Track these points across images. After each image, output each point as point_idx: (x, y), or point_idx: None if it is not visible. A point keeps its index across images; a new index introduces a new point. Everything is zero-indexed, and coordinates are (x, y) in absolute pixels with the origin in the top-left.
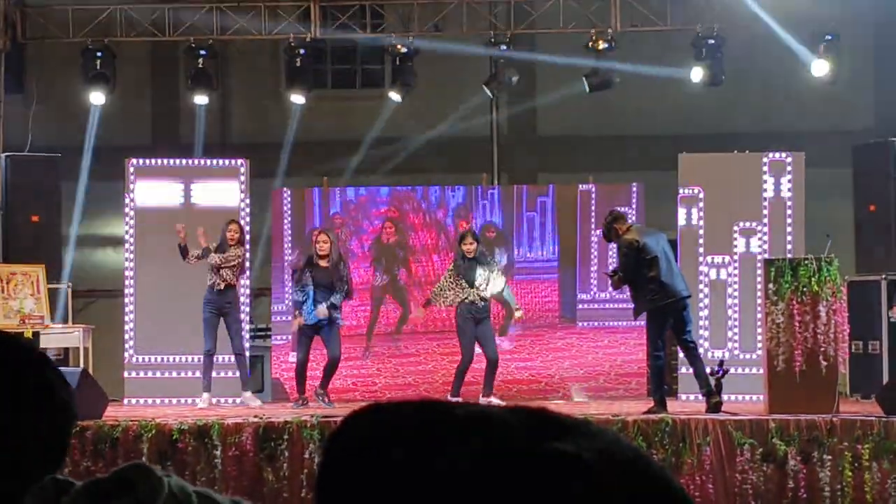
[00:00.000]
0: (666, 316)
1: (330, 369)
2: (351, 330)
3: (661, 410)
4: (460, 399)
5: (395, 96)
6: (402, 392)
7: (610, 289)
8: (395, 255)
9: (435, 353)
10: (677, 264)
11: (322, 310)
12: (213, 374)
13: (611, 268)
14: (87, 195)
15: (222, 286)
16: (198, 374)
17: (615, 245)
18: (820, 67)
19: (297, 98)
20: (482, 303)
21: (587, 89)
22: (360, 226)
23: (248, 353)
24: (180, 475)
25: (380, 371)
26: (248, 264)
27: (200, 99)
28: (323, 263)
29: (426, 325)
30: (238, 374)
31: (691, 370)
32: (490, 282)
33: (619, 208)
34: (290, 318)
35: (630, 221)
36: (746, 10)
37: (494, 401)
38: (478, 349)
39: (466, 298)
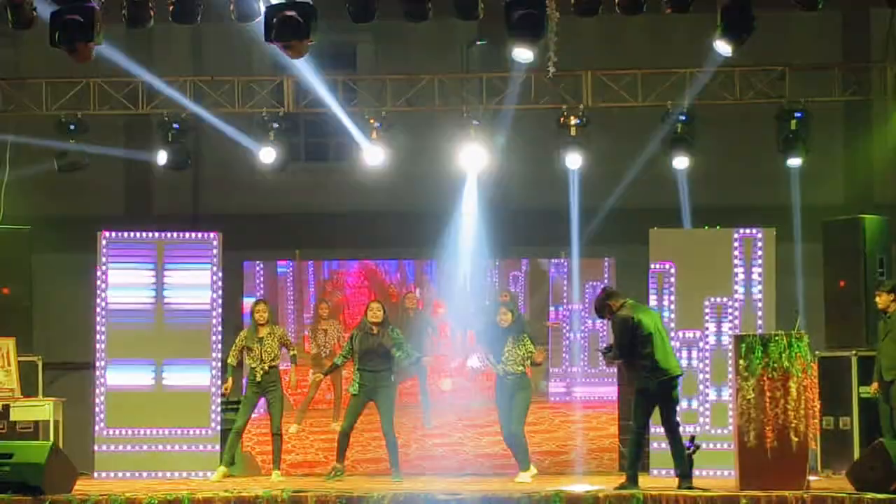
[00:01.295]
0: (657, 394)
1: (392, 449)
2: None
3: (633, 486)
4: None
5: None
6: (373, 466)
7: (602, 363)
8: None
9: (403, 427)
10: (670, 342)
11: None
12: (185, 447)
13: (603, 345)
14: (58, 267)
15: (266, 369)
16: (169, 447)
17: (609, 321)
18: (794, 161)
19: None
20: (509, 377)
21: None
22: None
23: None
24: None
25: (352, 444)
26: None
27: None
28: (374, 331)
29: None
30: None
31: (669, 449)
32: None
33: (593, 282)
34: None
35: (623, 298)
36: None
37: (524, 476)
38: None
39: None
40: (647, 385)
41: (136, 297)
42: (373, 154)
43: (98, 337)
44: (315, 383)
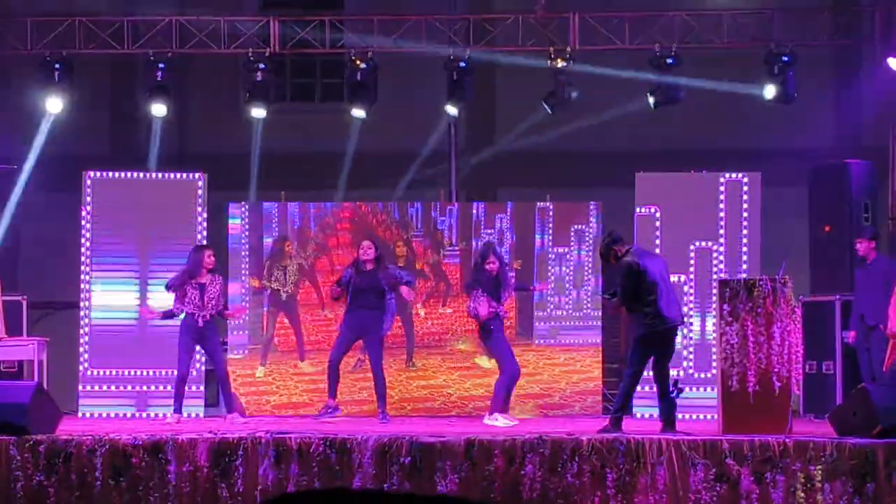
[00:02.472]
0: (657, 342)
1: (379, 389)
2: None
3: (615, 430)
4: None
5: (357, 112)
6: (357, 408)
7: (587, 306)
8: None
9: (389, 369)
10: (674, 288)
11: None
12: (169, 388)
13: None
14: (43, 206)
15: (206, 318)
16: (154, 387)
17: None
18: (770, 91)
19: (258, 112)
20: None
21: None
22: (326, 243)
23: (203, 369)
24: (134, 491)
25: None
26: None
27: (158, 110)
28: (366, 269)
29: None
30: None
31: (656, 392)
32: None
33: (578, 226)
34: (245, 332)
35: (629, 244)
36: (703, 30)
37: (501, 418)
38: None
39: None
40: (648, 332)
41: (122, 241)
42: (359, 95)
43: (83, 278)
44: (272, 322)
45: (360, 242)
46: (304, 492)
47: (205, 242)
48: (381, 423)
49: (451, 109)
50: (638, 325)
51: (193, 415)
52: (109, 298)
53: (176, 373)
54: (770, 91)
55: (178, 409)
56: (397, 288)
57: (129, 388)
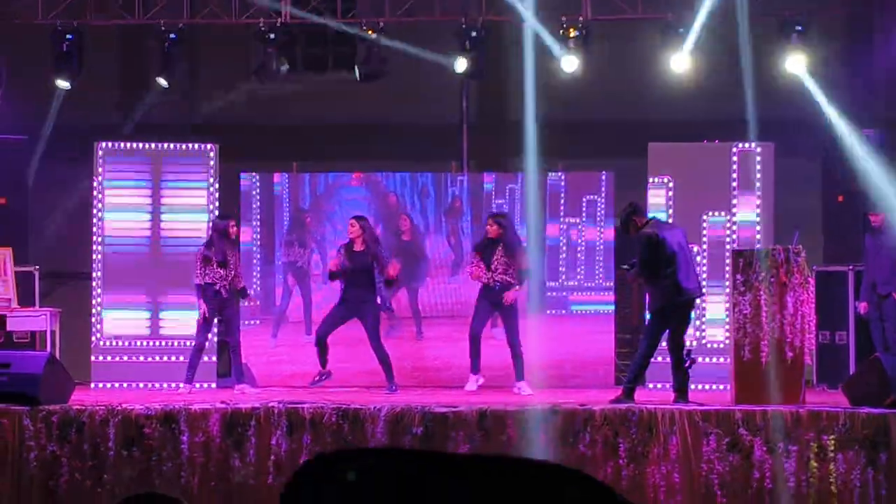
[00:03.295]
0: (674, 313)
1: (384, 365)
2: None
3: (628, 400)
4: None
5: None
6: (370, 378)
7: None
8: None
9: (401, 339)
10: (694, 259)
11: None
12: (182, 358)
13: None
14: (55, 178)
15: (227, 289)
16: (167, 357)
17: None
18: (795, 63)
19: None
20: (497, 285)
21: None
22: (333, 210)
23: (216, 340)
24: (146, 461)
25: (353, 356)
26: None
27: (163, 81)
28: (356, 248)
29: (400, 311)
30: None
31: (670, 363)
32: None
33: (590, 196)
34: (258, 301)
35: (648, 216)
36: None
37: (524, 387)
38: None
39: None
40: (667, 304)
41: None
42: (372, 64)
43: (95, 248)
44: (287, 294)
45: (350, 221)
46: (359, 449)
47: (226, 213)
48: (391, 394)
49: (461, 66)
50: (656, 296)
51: (206, 385)
52: (122, 269)
53: (193, 343)
54: (795, 62)
55: (189, 380)
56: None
57: (142, 357)
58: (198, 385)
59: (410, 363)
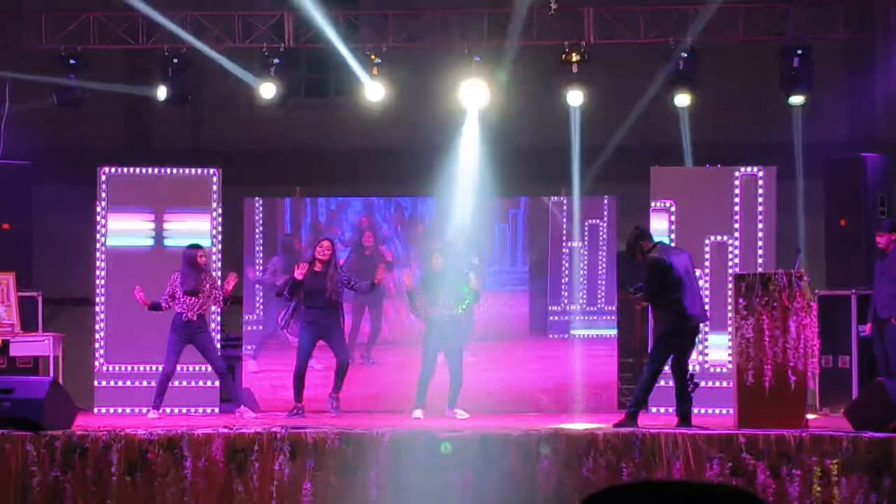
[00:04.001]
0: (679, 339)
1: (340, 373)
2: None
3: (631, 424)
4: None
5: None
6: (372, 403)
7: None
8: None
9: (403, 365)
10: (698, 284)
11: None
12: (185, 383)
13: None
14: (58, 202)
15: (196, 316)
16: (169, 383)
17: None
18: (796, 99)
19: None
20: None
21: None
22: (335, 235)
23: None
24: (149, 486)
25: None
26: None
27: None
28: (317, 269)
29: (396, 336)
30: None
31: (674, 387)
32: (459, 298)
33: (593, 221)
34: (260, 327)
35: (655, 240)
36: (719, 26)
37: (459, 413)
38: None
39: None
40: (672, 329)
41: (136, 241)
42: (374, 90)
43: (99, 273)
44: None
45: (321, 241)
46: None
47: (196, 242)
48: (335, 416)
49: (474, 100)
50: (661, 321)
51: (209, 410)
52: (125, 294)
53: (161, 368)
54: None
55: (157, 406)
56: (352, 287)
57: (145, 383)
58: (167, 410)
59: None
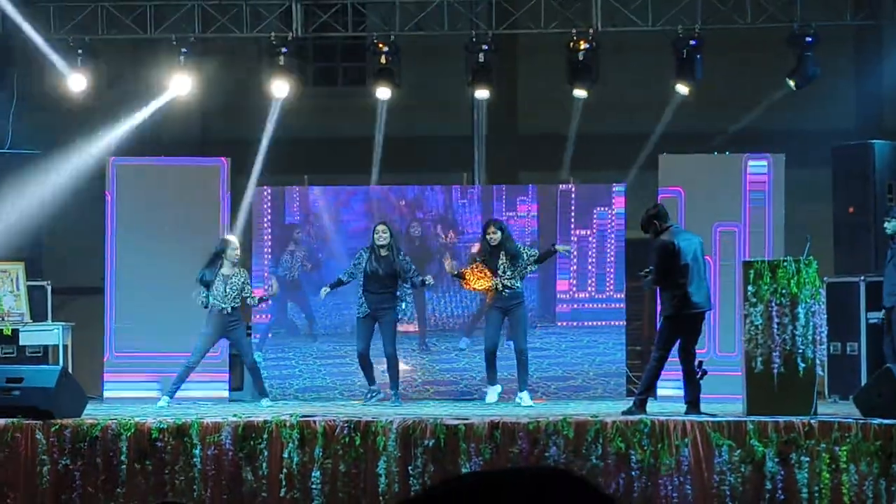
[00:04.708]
0: (683, 324)
1: (390, 369)
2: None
3: (640, 412)
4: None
5: (382, 93)
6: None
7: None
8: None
9: (414, 351)
10: (707, 271)
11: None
12: (194, 373)
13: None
14: (67, 192)
15: (230, 308)
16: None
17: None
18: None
19: (279, 93)
20: (507, 291)
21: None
22: (341, 223)
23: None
24: (159, 474)
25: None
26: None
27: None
28: (383, 253)
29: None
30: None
31: (682, 374)
32: (514, 269)
33: (601, 208)
34: (268, 315)
35: (670, 222)
36: (728, 13)
37: (526, 396)
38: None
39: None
40: (674, 314)
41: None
42: (380, 79)
43: (108, 263)
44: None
45: (376, 227)
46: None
47: (230, 236)
48: (394, 406)
49: (481, 94)
50: (666, 304)
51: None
52: (134, 283)
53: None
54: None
55: (172, 394)
56: (408, 278)
57: (155, 371)
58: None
59: (421, 377)
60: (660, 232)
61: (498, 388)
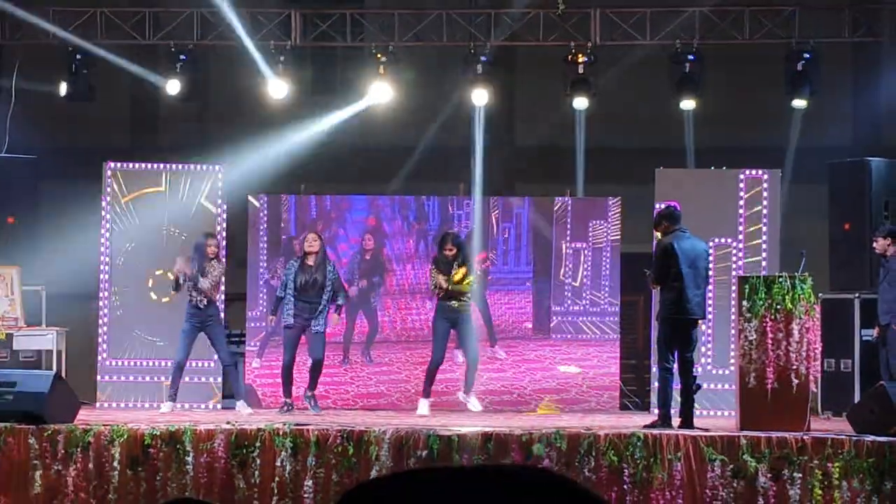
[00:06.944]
0: (673, 329)
1: (315, 372)
2: (328, 337)
3: (665, 425)
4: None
5: (381, 94)
6: (374, 401)
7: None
8: (379, 265)
9: (408, 362)
10: (708, 280)
11: (335, 318)
12: (187, 378)
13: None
14: (63, 197)
15: (205, 302)
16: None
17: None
18: (801, 102)
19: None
20: (457, 303)
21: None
22: (337, 234)
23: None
24: (152, 481)
25: (353, 380)
26: (223, 278)
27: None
28: (309, 262)
29: (398, 334)
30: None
31: (679, 387)
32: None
33: (597, 221)
34: (263, 323)
35: (678, 225)
36: (725, 28)
37: (473, 400)
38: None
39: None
40: (666, 316)
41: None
42: (380, 89)
43: (102, 268)
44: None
45: (307, 235)
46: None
47: (209, 231)
48: (315, 413)
49: (478, 100)
50: (661, 307)
51: (211, 405)
52: (128, 289)
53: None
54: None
55: (172, 398)
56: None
57: (148, 378)
58: (179, 406)
59: (414, 387)
60: (666, 233)
61: (431, 400)
